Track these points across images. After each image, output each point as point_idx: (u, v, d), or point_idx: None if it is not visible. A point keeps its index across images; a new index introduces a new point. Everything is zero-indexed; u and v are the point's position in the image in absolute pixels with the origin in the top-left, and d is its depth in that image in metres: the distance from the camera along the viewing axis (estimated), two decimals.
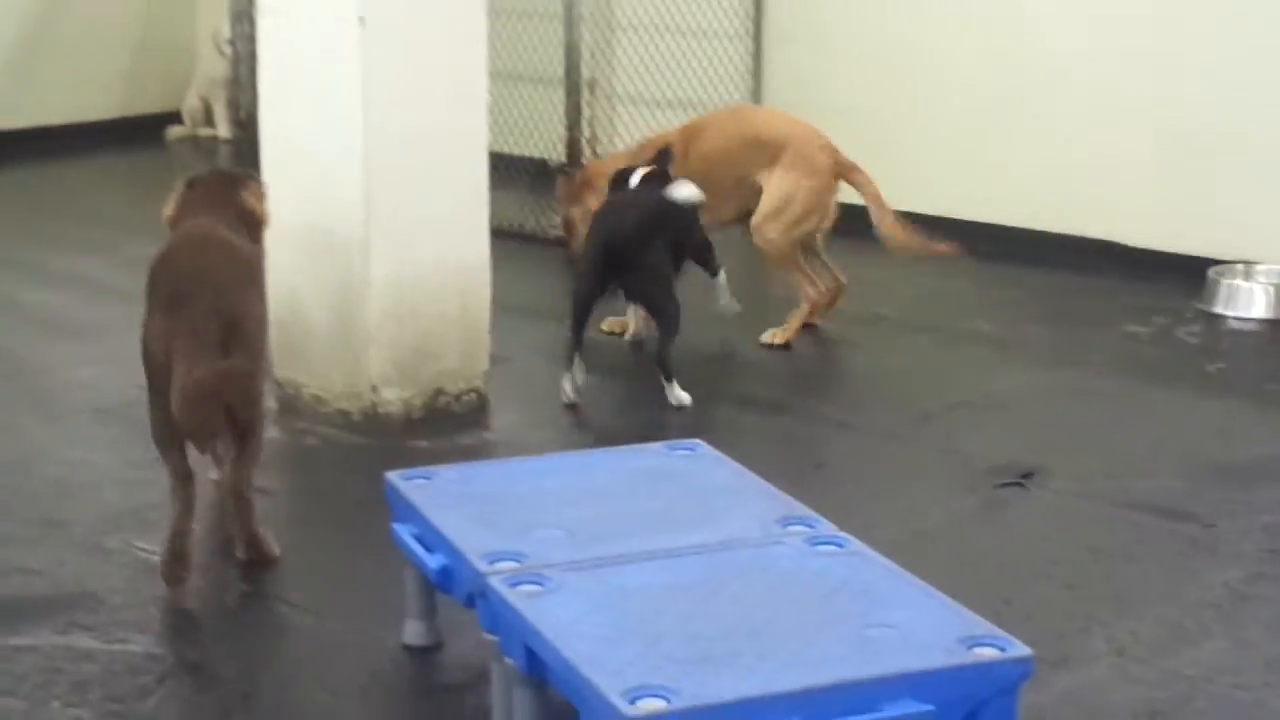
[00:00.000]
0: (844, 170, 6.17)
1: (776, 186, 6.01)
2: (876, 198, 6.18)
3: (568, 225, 6.48)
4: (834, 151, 6.16)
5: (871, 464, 5.19)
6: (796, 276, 6.10)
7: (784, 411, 5.64)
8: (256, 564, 4.32)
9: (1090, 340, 6.33)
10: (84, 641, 3.94)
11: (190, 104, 9.96)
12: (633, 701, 2.86)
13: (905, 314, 6.61)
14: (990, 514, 4.74)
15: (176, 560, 4.17)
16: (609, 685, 2.91)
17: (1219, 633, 4.01)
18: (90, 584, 4.24)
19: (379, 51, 5.05)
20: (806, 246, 6.16)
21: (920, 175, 7.62)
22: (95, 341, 6.20)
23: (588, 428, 5.49)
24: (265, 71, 5.33)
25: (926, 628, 3.15)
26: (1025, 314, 6.67)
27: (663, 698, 2.87)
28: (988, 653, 3.07)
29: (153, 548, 4.38)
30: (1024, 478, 4.91)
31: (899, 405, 5.61)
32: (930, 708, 2.97)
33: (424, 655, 3.87)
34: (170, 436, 4.26)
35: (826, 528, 3.61)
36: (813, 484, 4.85)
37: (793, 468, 5.07)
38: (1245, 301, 6.56)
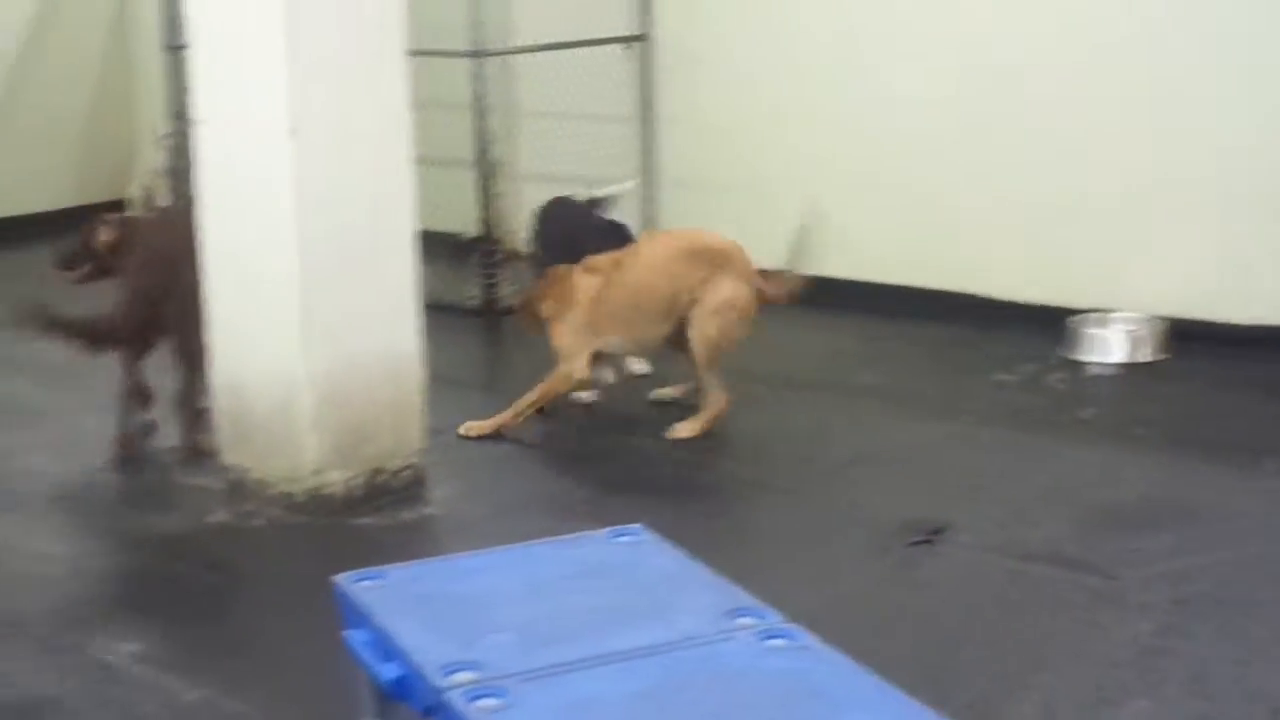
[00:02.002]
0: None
1: (724, 291, 5.39)
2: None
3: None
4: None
5: (787, 524, 4.77)
6: (716, 376, 5.46)
7: (704, 469, 5.20)
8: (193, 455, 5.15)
9: (968, 389, 5.98)
10: None
11: (134, 193, 9.48)
12: None
13: (799, 371, 6.21)
14: (903, 574, 4.33)
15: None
16: None
17: (1139, 690, 3.62)
18: (48, 689, 3.75)
19: (309, 159, 4.62)
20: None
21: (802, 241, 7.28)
22: (46, 427, 5.70)
23: (526, 494, 5.05)
24: (202, 178, 4.87)
25: None
26: (908, 367, 6.32)
27: None
28: None
29: (110, 644, 3.93)
30: (933, 534, 4.51)
31: (805, 463, 5.22)
32: None
33: None
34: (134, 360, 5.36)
35: (774, 620, 3.16)
36: (736, 548, 4.46)
37: (710, 530, 4.68)
38: (1103, 348, 6.22)
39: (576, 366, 5.42)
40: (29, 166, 9.32)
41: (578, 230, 5.93)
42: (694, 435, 5.36)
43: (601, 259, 5.52)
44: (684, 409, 5.53)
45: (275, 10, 4.53)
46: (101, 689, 3.73)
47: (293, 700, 3.66)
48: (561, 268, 5.55)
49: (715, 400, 5.42)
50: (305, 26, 4.57)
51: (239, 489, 4.92)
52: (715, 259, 5.43)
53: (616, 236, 5.87)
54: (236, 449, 4.94)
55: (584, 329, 5.41)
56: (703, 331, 5.36)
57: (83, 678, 3.79)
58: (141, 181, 9.47)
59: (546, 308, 5.50)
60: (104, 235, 5.54)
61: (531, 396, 5.44)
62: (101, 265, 5.55)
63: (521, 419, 5.44)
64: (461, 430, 5.41)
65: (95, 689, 3.73)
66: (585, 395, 5.72)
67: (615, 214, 6.27)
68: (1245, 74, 6.17)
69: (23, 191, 9.29)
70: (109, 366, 5.54)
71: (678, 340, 5.46)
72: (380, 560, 3.60)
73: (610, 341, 5.47)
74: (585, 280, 5.44)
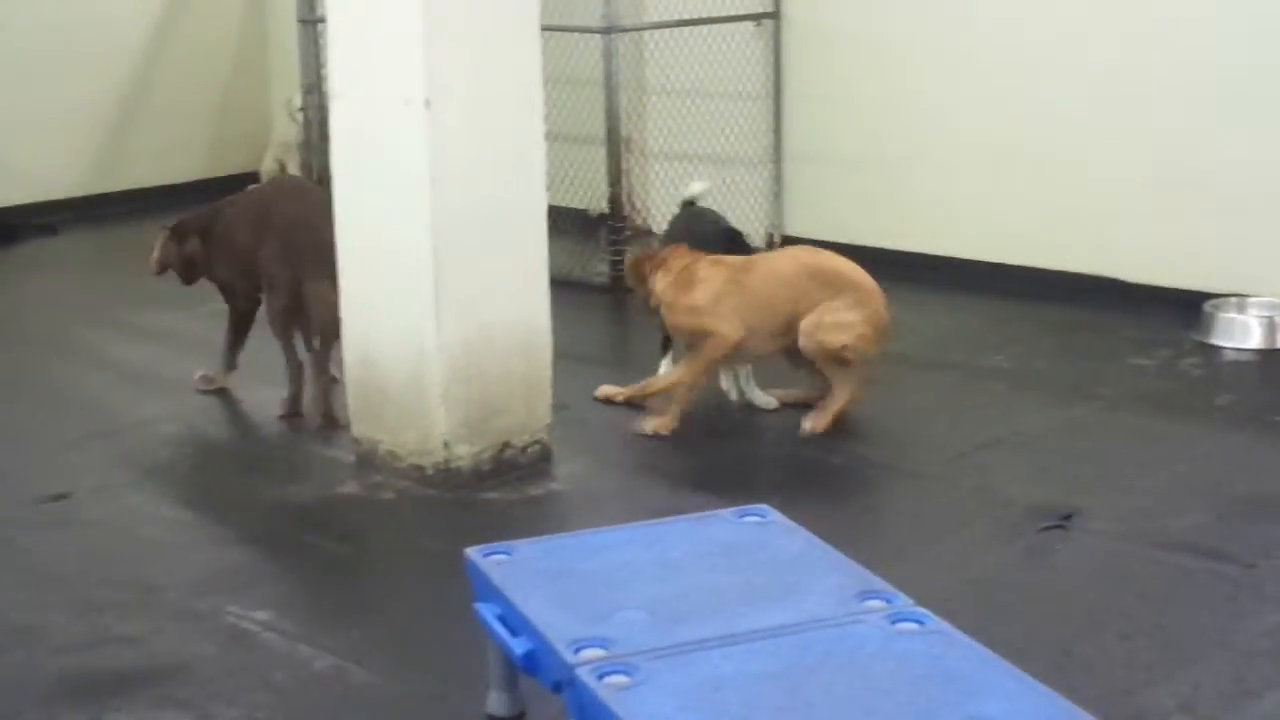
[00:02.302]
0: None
1: (841, 312, 5.12)
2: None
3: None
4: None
5: (915, 508, 4.67)
6: (844, 374, 5.16)
7: (830, 451, 5.06)
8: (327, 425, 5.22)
9: (1100, 374, 5.80)
10: (174, 716, 3.46)
11: (268, 166, 9.55)
12: None
13: (925, 352, 6.04)
14: (1036, 559, 4.22)
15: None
16: None
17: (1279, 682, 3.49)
18: (182, 654, 3.75)
19: (443, 130, 4.58)
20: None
21: (932, 219, 7.25)
22: (185, 398, 5.70)
23: (651, 470, 4.97)
24: (336, 151, 4.87)
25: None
26: (1037, 349, 6.15)
27: None
28: None
29: (242, 612, 3.92)
30: (1064, 519, 4.39)
31: (933, 446, 5.07)
32: None
33: None
34: (286, 329, 5.37)
35: (904, 603, 3.09)
36: (864, 532, 4.39)
37: (838, 513, 4.58)
38: (1241, 333, 6.04)
39: (728, 328, 5.09)
40: (167, 139, 9.41)
41: (704, 235, 5.72)
42: (822, 429, 5.12)
43: (731, 258, 5.33)
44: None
45: None
46: (232, 656, 3.73)
47: (420, 670, 3.64)
48: (684, 250, 5.34)
49: (842, 393, 5.17)
50: (440, 1, 4.54)
51: (369, 461, 4.92)
52: (841, 283, 5.18)
53: (738, 245, 5.66)
54: (367, 421, 4.93)
55: (713, 304, 5.16)
56: (815, 340, 5.10)
57: (214, 645, 3.79)
58: (275, 154, 9.54)
59: (665, 288, 5.25)
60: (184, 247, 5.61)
61: (695, 366, 5.20)
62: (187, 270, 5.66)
63: (689, 391, 5.22)
64: (598, 393, 5.43)
65: (226, 656, 3.74)
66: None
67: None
68: None
69: (161, 163, 9.39)
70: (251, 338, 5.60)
71: (794, 357, 5.28)
72: (507, 534, 3.61)
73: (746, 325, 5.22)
74: (710, 270, 5.23)
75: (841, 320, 5.11)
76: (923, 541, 4.35)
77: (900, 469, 4.93)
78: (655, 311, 5.33)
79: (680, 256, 5.30)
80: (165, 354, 6.32)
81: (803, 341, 5.13)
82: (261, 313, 5.51)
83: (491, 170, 4.72)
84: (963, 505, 4.61)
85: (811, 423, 5.15)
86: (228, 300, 5.68)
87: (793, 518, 3.52)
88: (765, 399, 5.43)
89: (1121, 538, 4.30)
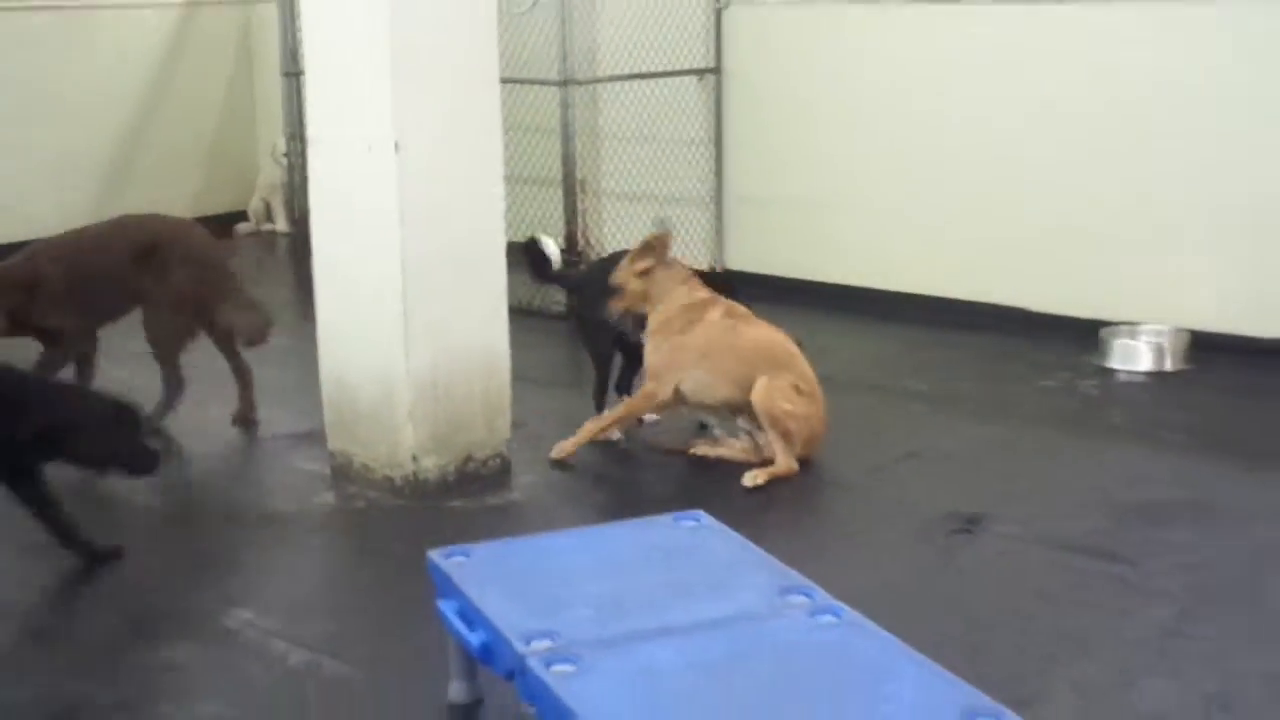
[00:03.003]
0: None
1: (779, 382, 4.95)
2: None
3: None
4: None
5: (838, 515, 4.76)
6: (782, 443, 4.93)
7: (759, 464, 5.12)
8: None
9: (1008, 394, 5.90)
10: (164, 709, 3.49)
11: (254, 205, 9.64)
12: None
13: (849, 375, 6.08)
14: (946, 561, 4.30)
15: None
16: None
17: (1161, 670, 3.58)
18: (169, 650, 3.78)
19: (412, 174, 4.62)
20: None
21: (857, 255, 7.34)
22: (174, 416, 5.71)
23: (600, 481, 5.04)
24: (314, 192, 4.92)
25: (929, 704, 2.71)
26: (952, 373, 6.23)
27: None
28: None
29: (228, 613, 3.95)
30: (971, 524, 4.48)
31: (855, 459, 5.13)
32: None
33: (467, 712, 3.42)
34: (178, 352, 5.41)
35: (822, 598, 3.16)
36: (790, 536, 4.46)
37: (767, 519, 4.64)
38: (1133, 357, 6.15)
39: (663, 390, 5.04)
40: (161, 181, 9.36)
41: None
42: (758, 485, 4.86)
43: (740, 307, 5.16)
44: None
45: (381, 40, 4.55)
46: (218, 654, 3.77)
47: (388, 662, 3.68)
48: (701, 287, 5.16)
49: (784, 464, 4.92)
50: (407, 55, 4.59)
51: (344, 473, 4.96)
52: (781, 361, 5.03)
53: (726, 288, 5.40)
54: (341, 437, 4.97)
55: (680, 359, 5.02)
56: (764, 399, 4.91)
57: (197, 642, 3.82)
58: (261, 195, 9.59)
59: (660, 319, 5.07)
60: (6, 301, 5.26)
61: (617, 412, 5.18)
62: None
63: (603, 433, 5.17)
64: (553, 454, 5.08)
65: (212, 654, 3.77)
66: (650, 417, 5.40)
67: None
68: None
69: (156, 203, 9.26)
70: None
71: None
72: (470, 539, 3.65)
73: (692, 379, 5.04)
74: (716, 315, 5.07)
75: (779, 386, 4.94)
76: (843, 545, 4.42)
77: (824, 479, 4.98)
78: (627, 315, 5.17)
79: (696, 289, 5.14)
80: (144, 374, 6.30)
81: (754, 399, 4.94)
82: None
83: (456, 209, 4.76)
84: (881, 512, 4.68)
85: (753, 477, 4.88)
86: (64, 345, 5.36)
87: (726, 523, 3.58)
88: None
89: (1023, 540, 4.38)
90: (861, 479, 4.97)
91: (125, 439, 4.21)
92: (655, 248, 5.12)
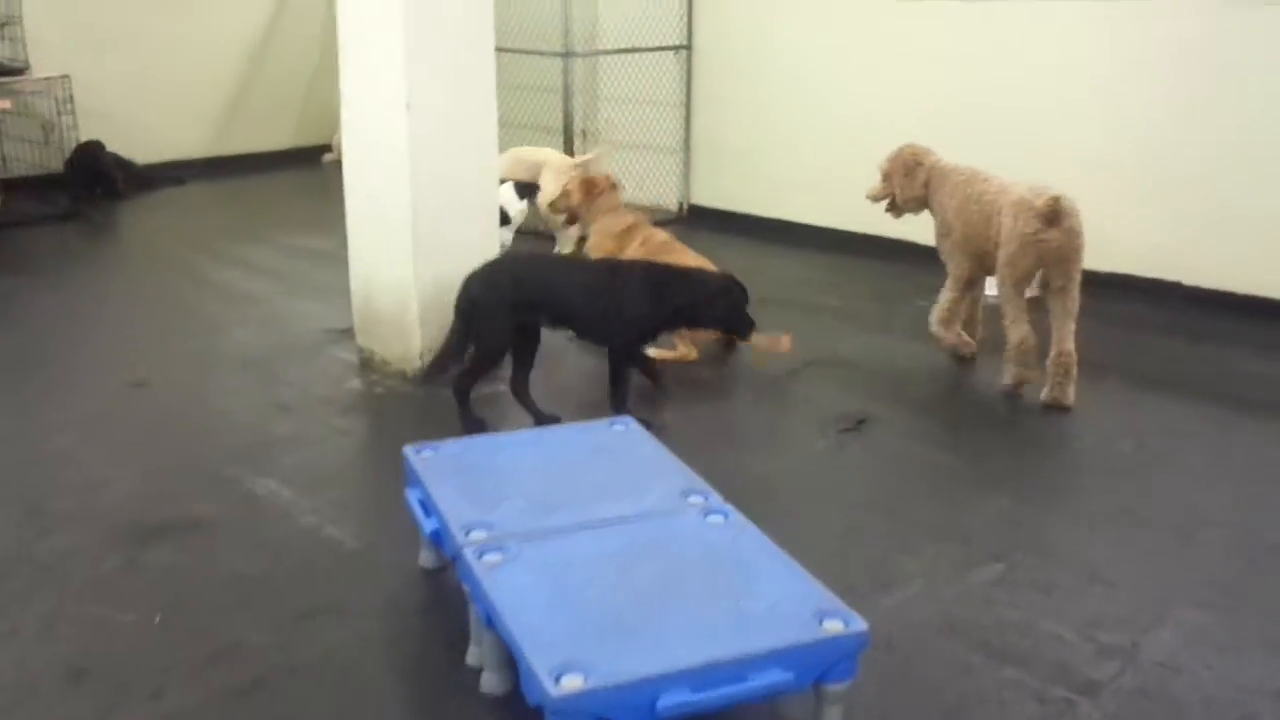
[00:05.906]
0: None
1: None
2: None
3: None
4: None
5: (747, 416, 4.35)
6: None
7: (689, 369, 4.71)
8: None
9: (898, 312, 5.50)
10: (186, 559, 3.20)
11: (336, 139, 9.08)
12: (557, 680, 2.10)
13: (777, 293, 5.68)
14: (834, 454, 3.95)
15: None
16: (540, 664, 2.15)
17: (1001, 554, 3.25)
18: (206, 512, 3.48)
19: (420, 128, 4.24)
20: None
21: (795, 194, 6.89)
22: (246, 310, 5.39)
23: (574, 381, 4.63)
24: (347, 138, 4.52)
25: (788, 603, 2.39)
26: (857, 293, 5.83)
27: (581, 673, 2.12)
28: (835, 626, 2.32)
29: (257, 481, 3.64)
30: (859, 423, 4.13)
31: (774, 362, 4.76)
32: (790, 676, 2.22)
33: (434, 575, 3.11)
34: None
35: (715, 500, 2.83)
36: (707, 434, 4.09)
37: (694, 419, 4.23)
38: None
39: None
40: (266, 115, 8.96)
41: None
42: (656, 358, 4.51)
43: (660, 233, 4.91)
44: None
45: (396, 22, 4.16)
46: (242, 514, 3.47)
47: (378, 532, 3.38)
48: (627, 215, 4.94)
49: (682, 350, 4.72)
50: (417, 34, 4.19)
51: (368, 364, 4.64)
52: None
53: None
54: (366, 335, 4.64)
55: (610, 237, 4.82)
56: None
57: (231, 505, 3.53)
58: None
59: (593, 215, 4.92)
60: None
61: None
62: None
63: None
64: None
65: (238, 514, 3.47)
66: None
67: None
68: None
69: (259, 135, 8.96)
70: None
71: None
72: (464, 424, 3.37)
73: None
74: (639, 240, 4.83)
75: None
76: (750, 440, 4.07)
77: (742, 381, 4.64)
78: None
79: (622, 215, 4.92)
80: (245, 276, 5.98)
81: None
82: None
83: (456, 153, 4.38)
84: (784, 412, 4.33)
85: (654, 352, 4.57)
86: None
87: (656, 424, 3.25)
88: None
89: (902, 437, 4.04)
90: (771, 384, 4.60)
91: (736, 307, 4.04)
92: (599, 183, 4.97)
